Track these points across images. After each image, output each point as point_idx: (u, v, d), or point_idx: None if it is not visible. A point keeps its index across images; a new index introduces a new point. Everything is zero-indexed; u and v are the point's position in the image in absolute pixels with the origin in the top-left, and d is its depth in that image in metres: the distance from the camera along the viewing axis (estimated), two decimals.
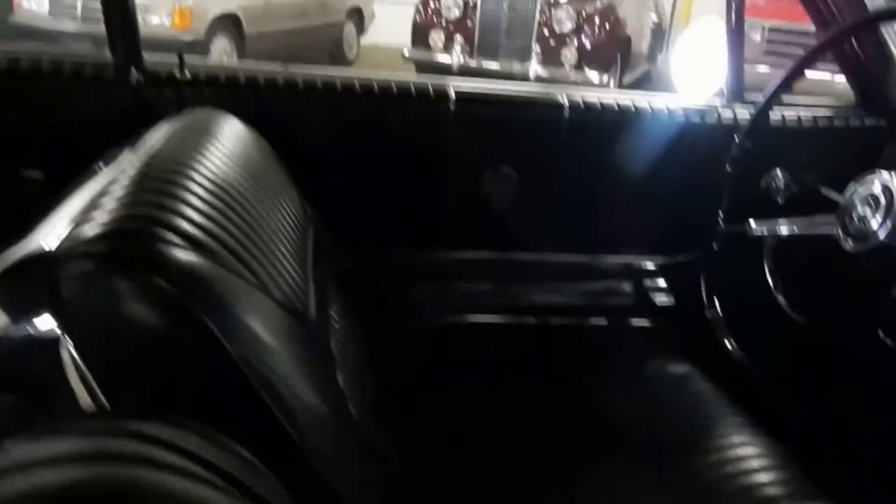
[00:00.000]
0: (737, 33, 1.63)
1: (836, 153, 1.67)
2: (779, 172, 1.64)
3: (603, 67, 6.34)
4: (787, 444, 1.27)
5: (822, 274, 1.37)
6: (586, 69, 6.33)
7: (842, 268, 1.35)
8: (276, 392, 0.68)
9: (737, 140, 1.44)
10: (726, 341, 1.38)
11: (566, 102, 1.55)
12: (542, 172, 1.58)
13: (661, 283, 1.72)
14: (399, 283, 1.57)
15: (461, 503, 1.28)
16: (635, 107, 1.58)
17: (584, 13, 6.45)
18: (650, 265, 1.73)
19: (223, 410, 0.66)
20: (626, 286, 1.70)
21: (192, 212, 0.74)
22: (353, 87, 1.46)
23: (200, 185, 0.80)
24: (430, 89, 1.49)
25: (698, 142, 1.63)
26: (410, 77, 1.53)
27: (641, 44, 7.49)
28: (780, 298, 1.30)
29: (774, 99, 1.39)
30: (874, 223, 1.15)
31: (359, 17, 8.78)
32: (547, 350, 1.63)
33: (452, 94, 1.49)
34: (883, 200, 1.15)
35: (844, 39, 1.59)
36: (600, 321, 1.69)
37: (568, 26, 6.45)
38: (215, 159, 0.88)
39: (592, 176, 1.62)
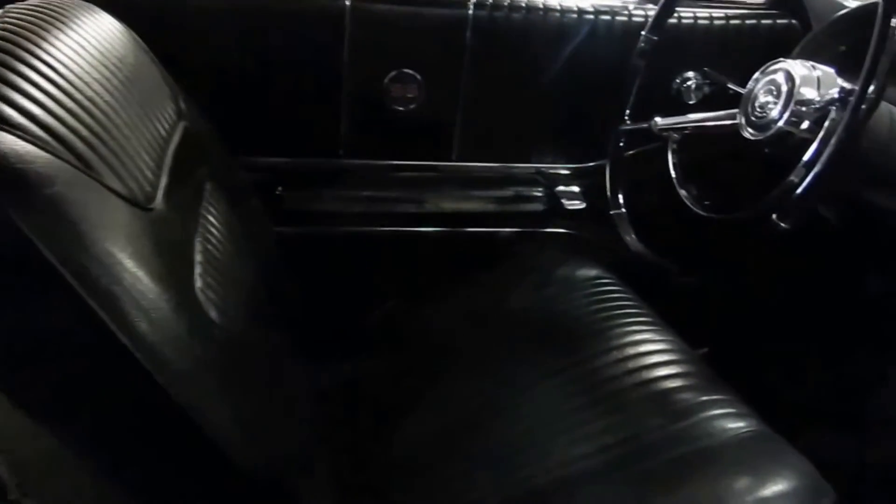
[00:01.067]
0: None
1: (748, 54, 1.63)
2: (690, 74, 1.61)
3: None
4: (696, 342, 1.27)
5: (727, 166, 1.35)
6: None
7: (746, 158, 1.33)
8: (95, 282, 0.62)
9: (643, 34, 1.39)
10: (630, 238, 1.36)
11: None
12: (448, 75, 1.52)
13: (575, 188, 1.69)
14: (296, 191, 1.51)
15: (356, 412, 1.25)
16: (544, 5, 1.52)
17: None
18: (563, 171, 1.69)
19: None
20: (538, 192, 1.67)
21: (15, 93, 0.67)
22: None
23: (34, 68, 0.72)
24: None
25: (610, 43, 1.58)
26: None
27: None
28: (683, 193, 1.27)
29: None
30: (775, 111, 1.12)
31: None
32: (457, 257, 1.59)
33: None
34: (784, 87, 1.12)
35: None
36: (511, 228, 1.65)
37: None
38: (59, 43, 0.80)
39: (500, 79, 1.56)
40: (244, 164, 1.42)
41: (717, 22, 1.62)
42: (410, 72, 1.49)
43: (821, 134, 1.03)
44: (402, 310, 1.52)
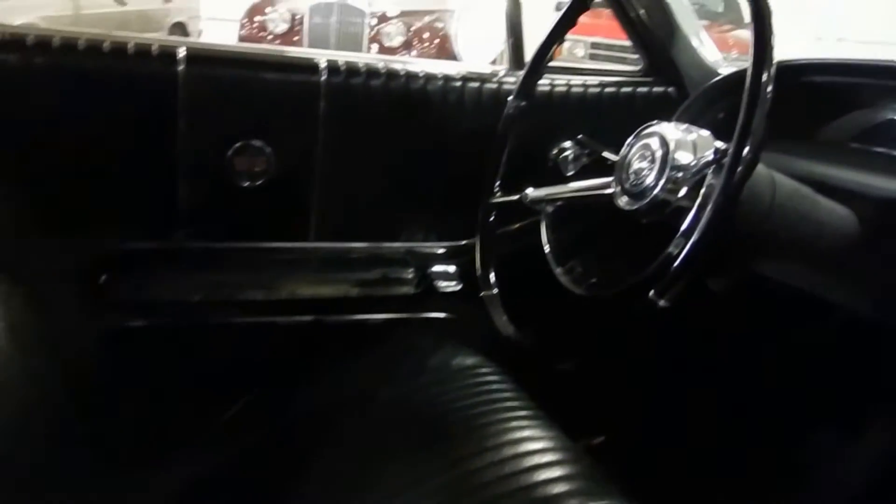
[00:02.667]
0: (515, 5, 1.50)
1: (626, 122, 1.55)
2: (567, 144, 1.52)
3: None
4: (588, 430, 1.13)
5: (605, 239, 1.23)
6: None
7: (623, 230, 1.21)
8: None
9: (511, 99, 1.28)
10: (501, 322, 1.21)
11: (324, 64, 1.34)
12: (301, 147, 1.37)
13: (450, 268, 1.54)
14: (125, 279, 1.31)
15: None
16: (406, 71, 1.40)
17: (413, 27, 6.37)
18: (437, 249, 1.55)
19: None
20: (409, 274, 1.51)
21: None
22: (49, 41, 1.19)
23: None
24: (154, 46, 1.25)
25: (481, 112, 1.47)
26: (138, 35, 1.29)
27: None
28: (558, 270, 1.14)
29: (547, 50, 1.25)
30: (650, 178, 1.01)
31: (183, 33, 8.33)
32: (319, 348, 1.41)
33: (182, 52, 1.25)
34: (659, 152, 1.02)
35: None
36: (380, 314, 1.49)
37: (398, 40, 6.35)
38: None
39: (361, 150, 1.42)
40: (63, 246, 1.23)
41: (591, 90, 1.54)
42: (258, 143, 1.33)
43: (698, 200, 0.91)
44: (255, 407, 1.33)
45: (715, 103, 1.45)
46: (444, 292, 1.51)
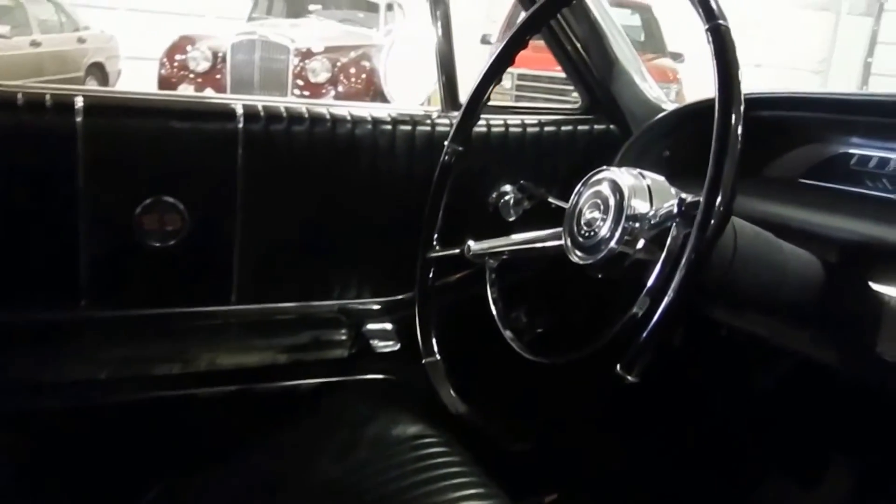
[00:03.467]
0: (445, 38, 1.40)
1: (567, 162, 1.49)
2: (507, 188, 1.42)
3: None
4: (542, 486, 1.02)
5: (557, 296, 1.13)
6: None
7: (576, 286, 1.12)
8: None
9: (447, 143, 1.18)
10: (447, 395, 1.09)
11: (241, 110, 1.22)
12: (218, 201, 1.24)
13: (387, 325, 1.43)
14: (24, 356, 1.16)
15: None
16: (331, 115, 1.29)
17: (339, 63, 6.29)
18: (372, 305, 1.43)
19: None
20: (342, 335, 1.39)
21: None
22: None
23: None
24: (48, 97, 1.11)
25: (414, 158, 1.37)
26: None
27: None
28: (508, 333, 1.03)
29: (484, 91, 1.15)
30: (604, 229, 0.92)
31: (102, 73, 8.07)
32: (245, 420, 1.27)
33: (80, 102, 1.12)
34: (612, 200, 0.93)
35: (560, 41, 1.43)
36: (312, 379, 1.36)
37: (324, 76, 6.26)
38: None
39: (285, 203, 1.30)
40: None
41: (530, 130, 1.46)
42: (169, 199, 1.20)
43: (662, 255, 0.83)
44: (171, 494, 1.18)
45: (659, 141, 1.38)
46: (381, 352, 1.39)
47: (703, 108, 1.33)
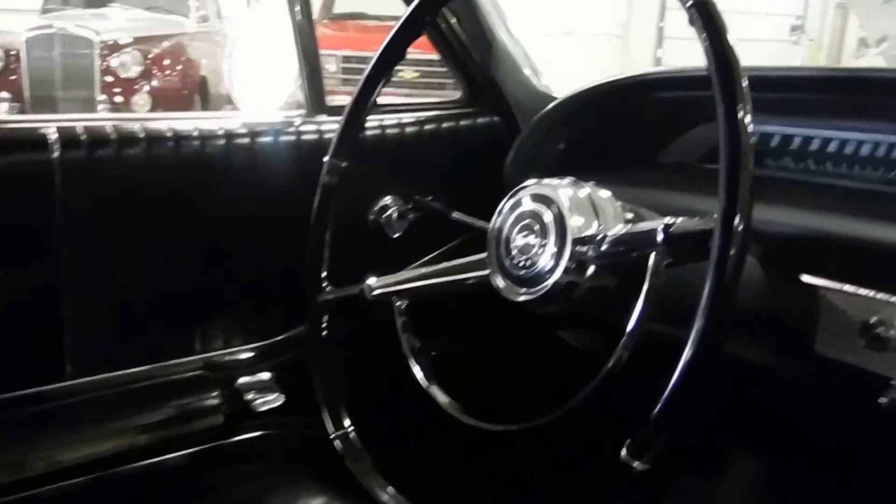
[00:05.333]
0: (306, 31, 1.19)
1: (453, 161, 1.32)
2: (388, 199, 1.23)
3: (182, 111, 5.75)
4: None
5: (495, 339, 0.95)
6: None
7: (515, 327, 0.95)
8: None
9: (326, 160, 0.97)
10: (374, 484, 0.89)
11: (54, 135, 0.96)
12: (32, 248, 0.98)
13: (265, 375, 1.20)
14: None
15: None
16: (175, 132, 1.05)
17: (151, 55, 5.80)
18: (244, 354, 1.20)
19: None
20: (213, 396, 1.14)
21: None
22: None
23: None
24: None
25: (277, 174, 1.15)
26: None
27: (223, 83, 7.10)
28: (433, 389, 0.84)
29: (370, 93, 0.96)
30: (544, 258, 0.75)
31: None
32: None
33: None
34: (549, 220, 0.76)
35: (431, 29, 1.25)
36: (181, 451, 1.12)
37: (135, 71, 5.75)
38: None
39: (122, 244, 1.05)
40: None
41: (409, 129, 1.27)
42: None
43: (643, 292, 0.67)
44: None
45: (554, 133, 1.24)
46: (262, 410, 1.16)
47: (595, 94, 1.21)
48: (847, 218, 0.90)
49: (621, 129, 1.21)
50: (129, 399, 1.08)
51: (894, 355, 0.81)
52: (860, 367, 0.85)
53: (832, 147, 1.07)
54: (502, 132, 1.33)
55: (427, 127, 1.29)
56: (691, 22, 0.66)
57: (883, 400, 0.81)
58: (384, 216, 1.23)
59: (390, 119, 1.26)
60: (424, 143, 1.29)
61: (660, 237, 0.67)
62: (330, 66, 6.45)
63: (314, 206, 0.97)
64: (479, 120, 1.35)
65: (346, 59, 6.69)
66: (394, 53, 0.94)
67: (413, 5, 0.93)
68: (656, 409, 0.62)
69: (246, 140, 1.11)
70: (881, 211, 0.92)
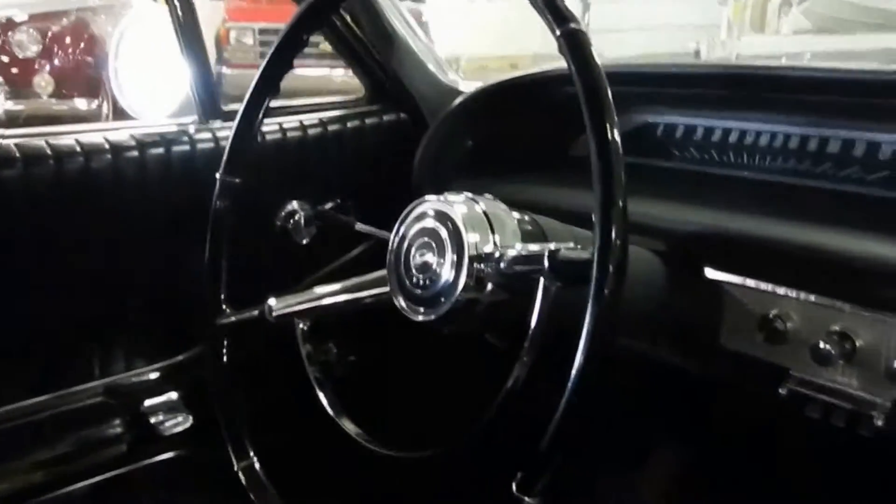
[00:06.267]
0: (190, 28, 1.12)
1: (360, 160, 1.27)
2: (295, 204, 1.19)
3: (90, 92, 5.49)
4: None
5: (404, 358, 0.93)
6: (74, 98, 5.42)
7: (422, 344, 0.93)
8: None
9: (218, 176, 0.92)
10: (255, 493, 0.86)
11: None
12: None
13: (172, 396, 1.15)
14: None
15: None
16: (53, 149, 0.98)
17: (51, 33, 5.50)
18: (150, 376, 1.15)
19: None
20: (115, 425, 1.09)
21: None
22: None
23: None
24: None
25: (173, 185, 1.10)
26: None
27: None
28: (339, 416, 0.82)
29: (259, 104, 0.91)
30: (444, 277, 0.74)
31: None
32: None
33: None
34: (445, 237, 0.74)
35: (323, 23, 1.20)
36: (85, 480, 1.07)
37: (34, 50, 5.45)
38: None
39: (8, 270, 0.98)
40: None
41: (311, 131, 1.22)
42: None
43: (534, 317, 0.66)
44: None
45: (461, 130, 1.21)
46: (168, 434, 1.12)
47: (502, 88, 1.19)
48: (747, 213, 0.92)
49: (530, 124, 1.20)
50: (24, 433, 1.02)
51: (792, 347, 0.84)
52: (761, 359, 0.87)
53: (732, 138, 1.08)
54: (410, 129, 1.30)
55: (331, 127, 1.25)
56: (560, 51, 0.64)
57: (782, 390, 0.84)
58: (291, 222, 1.19)
59: (291, 121, 1.21)
60: (329, 144, 1.25)
61: (546, 263, 0.66)
62: (247, 39, 6.30)
63: (209, 224, 0.93)
64: (386, 118, 1.31)
65: (263, 31, 6.63)
66: (283, 60, 0.89)
67: (302, 8, 0.89)
68: (543, 443, 0.61)
69: (135, 153, 1.05)
70: (780, 205, 0.94)
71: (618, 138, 0.63)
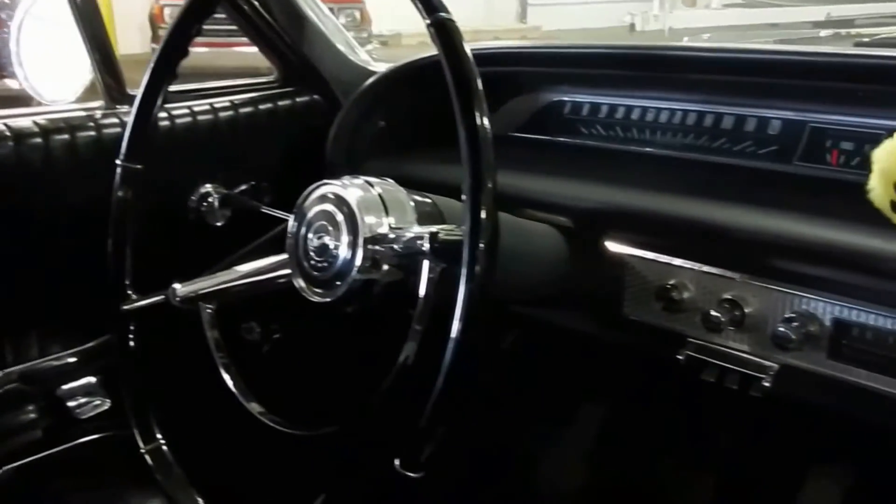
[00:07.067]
0: (90, 12, 1.11)
1: (275, 142, 1.29)
2: (209, 187, 1.20)
3: None
4: None
5: (308, 338, 0.95)
6: None
7: (326, 324, 0.95)
8: None
9: (119, 163, 0.93)
10: (181, 488, 0.88)
11: None
12: None
13: (91, 380, 1.16)
14: None
15: None
16: None
17: None
18: (67, 360, 1.15)
19: None
20: (31, 410, 1.10)
21: None
22: None
23: None
24: None
25: (82, 174, 1.09)
26: None
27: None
28: (243, 394, 0.84)
29: (157, 89, 0.92)
30: (340, 259, 0.76)
31: None
32: None
33: None
34: (342, 220, 0.76)
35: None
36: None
37: None
38: None
39: None
40: None
41: (223, 114, 1.23)
42: None
43: (420, 300, 0.69)
44: None
45: (373, 110, 1.23)
46: (85, 417, 1.12)
47: (414, 68, 1.21)
48: (648, 189, 0.96)
49: (441, 103, 1.22)
50: None
51: (688, 315, 0.89)
52: (661, 327, 0.91)
53: (635, 115, 1.12)
54: (324, 110, 1.31)
55: (243, 110, 1.25)
56: (431, 39, 0.67)
57: (680, 356, 0.89)
58: (205, 205, 1.20)
59: (202, 105, 1.21)
60: (242, 127, 1.25)
61: (426, 246, 0.69)
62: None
63: (111, 211, 0.93)
64: (299, 99, 1.31)
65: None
66: (180, 42, 0.90)
67: None
68: (422, 420, 0.64)
69: (39, 140, 1.04)
70: (678, 180, 0.98)
71: (486, 123, 0.66)
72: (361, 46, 1.38)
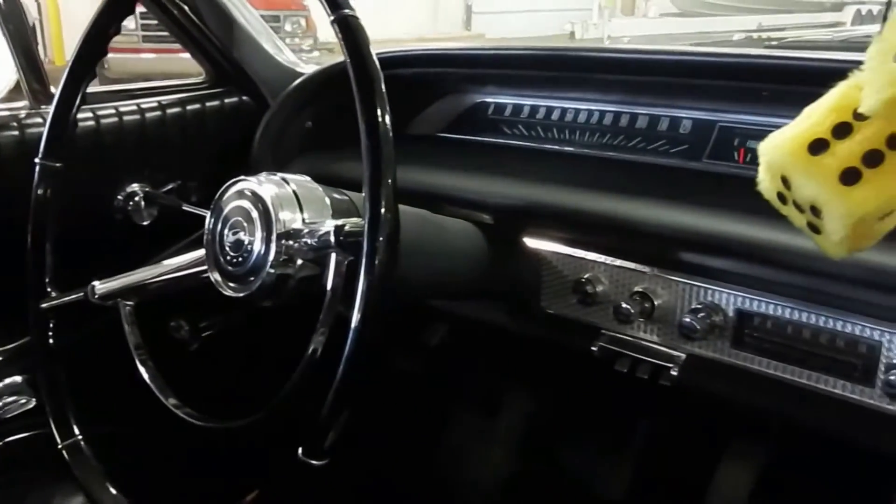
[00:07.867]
0: (12, 12, 1.11)
1: (203, 143, 1.29)
2: (136, 186, 1.21)
3: None
4: None
5: (217, 339, 0.96)
6: None
7: (245, 321, 0.97)
8: None
9: (38, 161, 0.94)
10: (98, 486, 0.89)
11: None
12: None
13: (17, 379, 1.16)
14: None
15: None
16: None
17: None
18: None
19: None
20: None
21: None
22: None
23: None
24: None
25: (3, 169, 1.09)
26: None
27: None
28: (161, 390, 0.85)
29: (76, 88, 0.93)
30: (254, 255, 0.77)
31: None
32: None
33: None
34: (256, 216, 0.78)
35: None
36: None
37: None
38: None
39: None
40: None
41: (151, 115, 1.23)
42: None
43: (328, 293, 0.71)
44: None
45: (301, 111, 1.25)
46: (13, 415, 1.12)
47: (341, 69, 1.22)
48: (564, 186, 0.99)
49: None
50: None
51: (601, 308, 0.92)
52: (577, 319, 0.95)
53: (555, 115, 1.16)
54: (252, 111, 1.32)
55: (170, 111, 1.26)
56: (336, 35, 0.69)
57: (594, 347, 0.93)
58: (131, 204, 1.21)
59: (128, 105, 1.21)
60: (169, 128, 1.26)
61: (332, 239, 0.71)
62: (128, 23, 6.11)
63: (31, 209, 0.94)
64: (228, 100, 1.33)
65: (144, 14, 6.36)
66: (93, 48, 0.91)
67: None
68: (323, 410, 0.66)
69: None
70: (594, 178, 1.02)
71: (387, 120, 0.68)
72: (307, 54, 1.40)
